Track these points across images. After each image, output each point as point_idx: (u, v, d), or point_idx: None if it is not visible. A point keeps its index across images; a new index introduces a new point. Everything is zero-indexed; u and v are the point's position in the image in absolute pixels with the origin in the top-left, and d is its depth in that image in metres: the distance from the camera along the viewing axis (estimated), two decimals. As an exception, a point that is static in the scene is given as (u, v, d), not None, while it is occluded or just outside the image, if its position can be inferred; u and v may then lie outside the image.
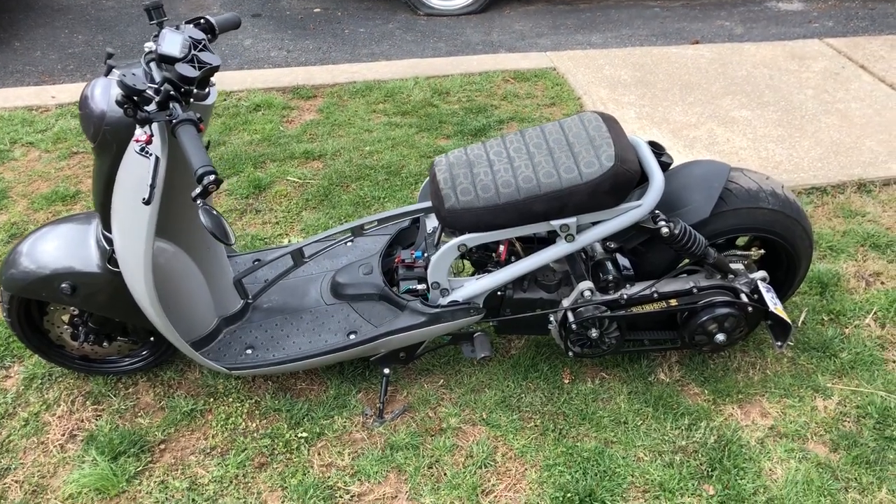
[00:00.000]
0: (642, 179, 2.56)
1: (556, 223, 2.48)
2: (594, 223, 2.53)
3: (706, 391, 2.86)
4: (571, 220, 2.48)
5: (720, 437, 2.68)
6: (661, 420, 2.75)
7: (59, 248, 2.58)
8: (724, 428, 2.71)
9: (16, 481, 2.57)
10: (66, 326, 2.75)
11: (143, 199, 2.06)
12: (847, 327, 3.15)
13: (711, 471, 2.56)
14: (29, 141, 4.62)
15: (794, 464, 2.58)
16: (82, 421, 2.79)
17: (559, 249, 2.57)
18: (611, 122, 2.57)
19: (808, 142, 4.47)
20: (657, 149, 2.68)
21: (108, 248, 2.47)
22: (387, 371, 2.80)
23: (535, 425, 2.74)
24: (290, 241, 3.68)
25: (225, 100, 5.08)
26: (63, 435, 2.73)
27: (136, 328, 2.78)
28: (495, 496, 2.52)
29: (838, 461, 2.59)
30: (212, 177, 1.91)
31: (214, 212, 2.00)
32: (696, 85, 5.17)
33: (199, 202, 1.97)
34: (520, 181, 2.44)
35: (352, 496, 2.53)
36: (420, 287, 2.75)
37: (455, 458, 2.64)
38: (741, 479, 2.52)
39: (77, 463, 2.63)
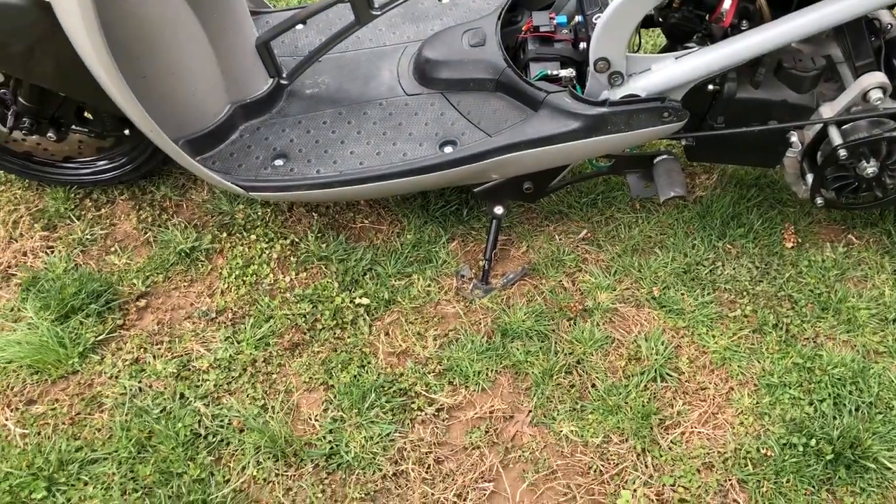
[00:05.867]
0: None
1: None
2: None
3: None
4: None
5: None
6: (957, 321, 1.63)
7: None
8: None
9: (-87, 342, 1.64)
10: (-15, 102, 1.71)
11: None
12: None
13: None
14: None
15: None
16: (25, 254, 1.81)
17: (847, 4, 1.38)
18: None
19: None
20: None
21: (27, -44, 1.37)
22: (499, 211, 1.72)
23: (744, 315, 1.66)
24: None
25: None
26: (-6, 273, 1.77)
27: (96, 111, 1.72)
28: (682, 432, 1.49)
29: None
30: None
31: None
32: None
33: None
34: None
35: (438, 409, 1.53)
36: (564, 73, 1.61)
37: (610, 361, 1.59)
38: None
39: (8, 320, 1.68)
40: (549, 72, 1.63)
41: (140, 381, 1.58)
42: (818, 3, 1.41)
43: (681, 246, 1.78)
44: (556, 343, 1.62)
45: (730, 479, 1.42)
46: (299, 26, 1.83)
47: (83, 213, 1.88)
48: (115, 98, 1.43)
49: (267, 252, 1.80)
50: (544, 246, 1.81)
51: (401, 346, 1.64)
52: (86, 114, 1.76)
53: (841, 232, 1.82)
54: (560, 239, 1.82)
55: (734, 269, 1.74)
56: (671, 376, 1.57)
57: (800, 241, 1.79)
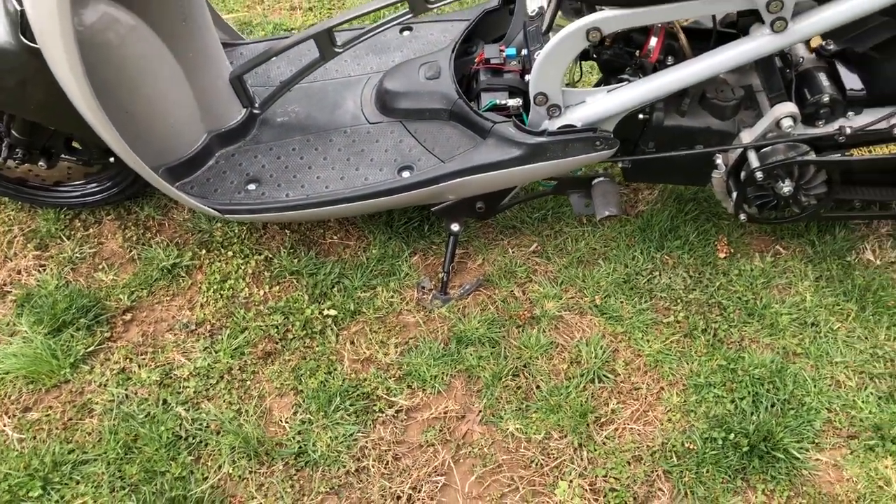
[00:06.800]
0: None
1: (763, -6, 1.43)
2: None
3: (937, 283, 1.88)
4: (792, -9, 1.42)
5: (966, 357, 1.73)
6: (869, 324, 1.80)
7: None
8: (971, 344, 1.75)
9: (-83, 355, 1.79)
10: (-21, 134, 1.86)
11: None
12: None
13: (957, 413, 1.63)
14: None
15: None
16: (19, 272, 1.96)
17: (755, 46, 1.55)
18: None
19: None
20: None
21: (17, 7, 1.51)
22: (455, 228, 1.88)
23: (677, 321, 1.82)
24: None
25: None
26: (-10, 291, 1.92)
27: (83, 141, 1.88)
28: (616, 429, 1.65)
29: None
30: None
31: None
32: None
33: None
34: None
35: (397, 411, 1.69)
36: (512, 103, 1.76)
37: (554, 364, 1.76)
38: None
39: (5, 334, 1.83)
40: (499, 101, 1.78)
41: (126, 389, 1.73)
42: (730, 43, 1.57)
43: (622, 257, 1.95)
44: (505, 349, 1.78)
45: (656, 470, 1.59)
46: (271, 58, 1.98)
47: (73, 233, 2.04)
48: (99, 132, 1.57)
49: (243, 267, 1.95)
50: (498, 259, 1.97)
51: (365, 353, 1.79)
52: (74, 144, 1.91)
53: (770, 243, 1.98)
54: (513, 252, 1.98)
55: (670, 278, 1.90)
56: (608, 378, 1.73)
57: (732, 251, 1.96)
